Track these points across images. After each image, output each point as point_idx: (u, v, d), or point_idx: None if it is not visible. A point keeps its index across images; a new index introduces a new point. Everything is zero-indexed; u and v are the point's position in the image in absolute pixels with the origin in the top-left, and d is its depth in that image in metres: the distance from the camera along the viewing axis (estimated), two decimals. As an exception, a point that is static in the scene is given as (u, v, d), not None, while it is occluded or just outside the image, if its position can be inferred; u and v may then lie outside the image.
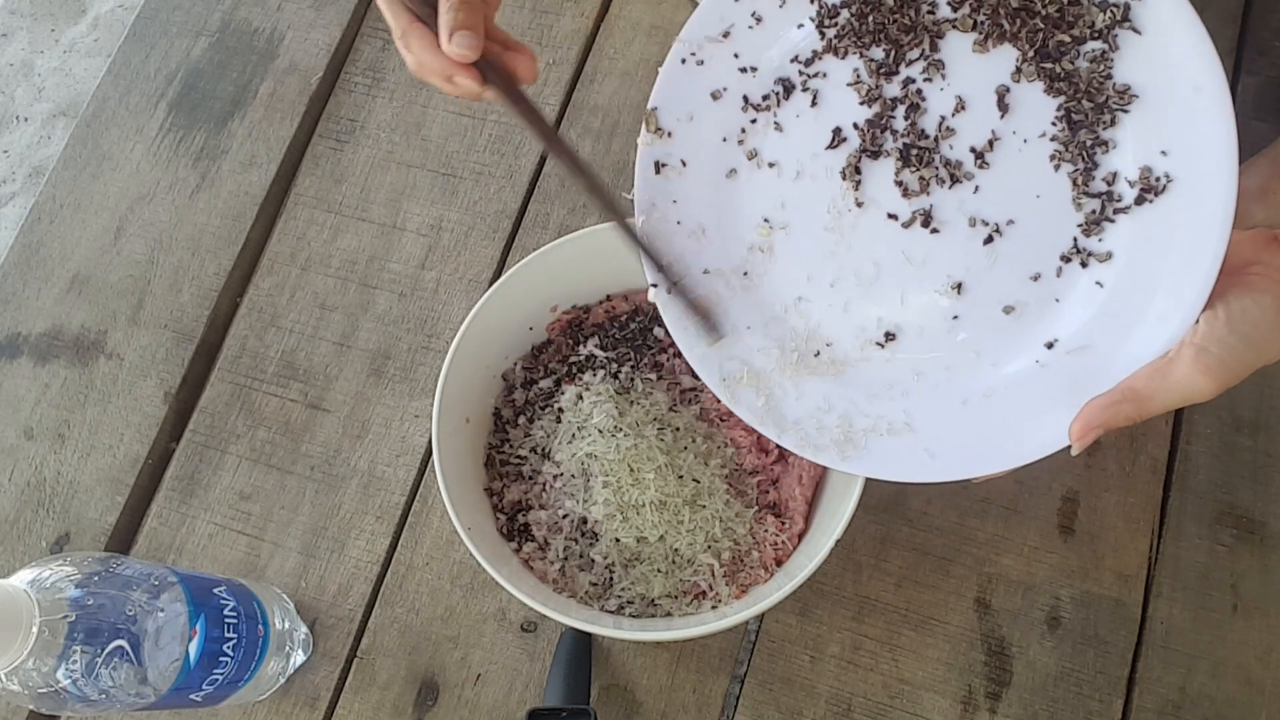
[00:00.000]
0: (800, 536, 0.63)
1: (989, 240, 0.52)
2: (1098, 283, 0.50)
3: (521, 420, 0.68)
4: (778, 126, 0.56)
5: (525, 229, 0.80)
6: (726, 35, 0.56)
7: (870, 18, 0.54)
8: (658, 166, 0.57)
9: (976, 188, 0.52)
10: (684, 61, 0.57)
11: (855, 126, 0.54)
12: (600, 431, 0.63)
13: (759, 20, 0.56)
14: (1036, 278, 0.51)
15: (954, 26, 0.52)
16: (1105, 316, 0.50)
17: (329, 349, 0.78)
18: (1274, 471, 0.67)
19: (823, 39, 0.55)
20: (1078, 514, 0.67)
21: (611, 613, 0.62)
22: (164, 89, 0.88)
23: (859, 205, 0.54)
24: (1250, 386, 0.69)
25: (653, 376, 0.67)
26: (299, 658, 0.68)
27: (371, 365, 0.77)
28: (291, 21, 0.89)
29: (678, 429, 0.64)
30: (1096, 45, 0.49)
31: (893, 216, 0.54)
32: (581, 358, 0.68)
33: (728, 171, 0.57)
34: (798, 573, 0.55)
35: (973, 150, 0.52)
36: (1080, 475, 0.68)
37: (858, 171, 0.54)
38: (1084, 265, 0.50)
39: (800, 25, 0.55)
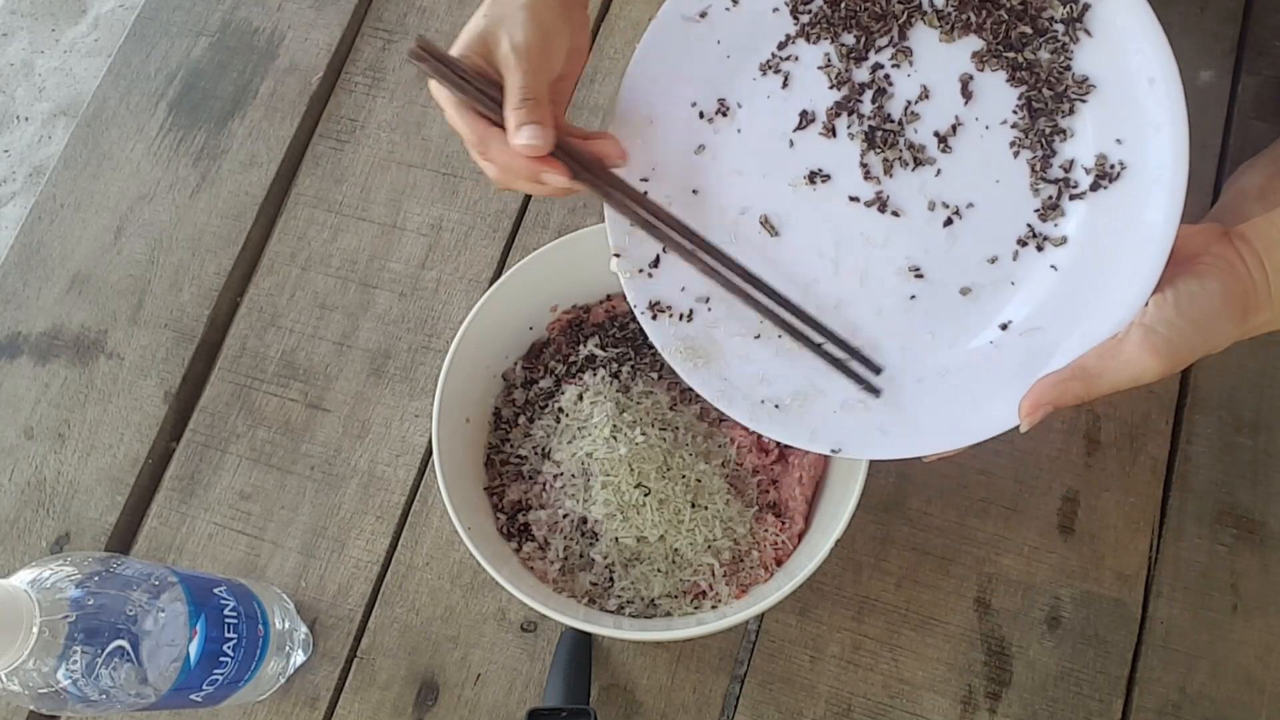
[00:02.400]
0: (800, 536, 0.63)
1: (948, 223, 0.53)
2: (1052, 266, 0.51)
3: (521, 420, 0.68)
4: (748, 107, 0.57)
5: (525, 229, 0.80)
6: (703, 15, 0.57)
7: (842, 4, 0.55)
8: (630, 131, 0.57)
9: (939, 171, 0.54)
10: (660, 39, 0.57)
11: (823, 109, 0.55)
12: (600, 431, 0.63)
13: (735, 3, 0.57)
14: (994, 260, 0.53)
15: (922, 20, 0.54)
16: (1059, 299, 0.51)
17: (329, 349, 0.78)
18: (1274, 471, 0.67)
19: (796, 23, 0.56)
20: (1078, 514, 0.67)
21: (611, 612, 0.62)
22: (164, 89, 0.88)
23: (824, 182, 0.55)
24: (1250, 386, 0.69)
25: (653, 376, 0.67)
26: (299, 658, 0.68)
27: (372, 365, 0.77)
28: (292, 21, 0.89)
29: (678, 428, 0.64)
30: (1057, 37, 0.51)
31: (854, 199, 0.55)
32: (582, 357, 0.68)
33: (696, 147, 0.58)
34: (798, 572, 0.55)
35: (936, 135, 0.54)
36: (1080, 475, 0.68)
37: (823, 152, 0.55)
38: (1039, 249, 0.52)
39: (775, 10, 0.56)
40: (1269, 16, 0.78)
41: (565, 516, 0.64)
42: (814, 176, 0.55)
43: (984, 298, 0.53)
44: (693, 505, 0.62)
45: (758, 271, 0.56)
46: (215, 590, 0.60)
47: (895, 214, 0.54)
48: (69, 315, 0.82)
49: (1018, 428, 0.50)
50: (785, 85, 0.56)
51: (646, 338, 0.68)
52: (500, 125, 0.51)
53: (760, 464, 0.65)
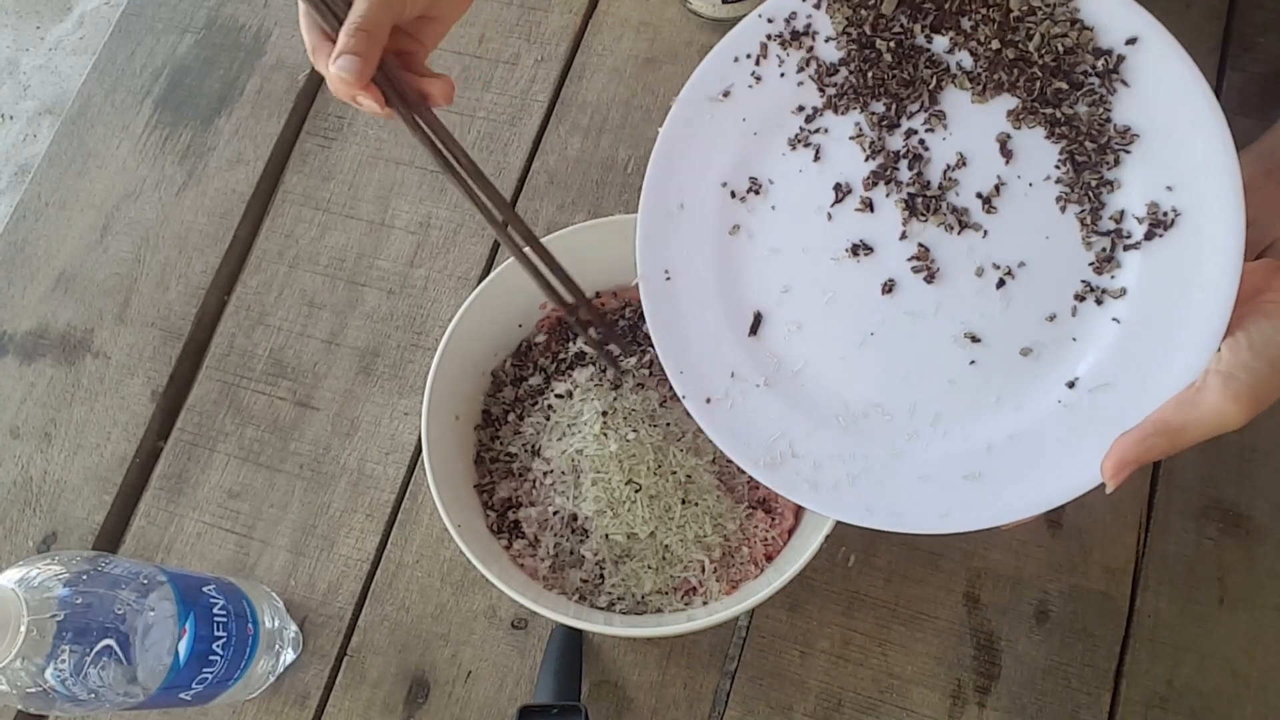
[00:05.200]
0: (790, 532, 0.64)
1: (1001, 284, 0.52)
2: (1114, 319, 0.50)
3: (511, 417, 0.68)
4: (780, 183, 0.56)
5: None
6: (726, 95, 0.56)
7: (869, 74, 0.54)
8: (662, 219, 0.56)
9: (985, 233, 0.52)
10: (685, 121, 0.56)
11: (859, 180, 0.54)
12: (590, 428, 0.63)
13: (758, 80, 0.56)
14: (1052, 318, 0.51)
15: (953, 83, 0.53)
16: (1125, 352, 0.50)
17: (317, 347, 0.78)
18: (1259, 465, 0.67)
19: (822, 95, 0.55)
20: (1065, 508, 0.67)
21: (602, 609, 0.62)
22: (150, 86, 0.88)
23: (867, 254, 0.54)
24: (1236, 381, 0.69)
25: (643, 372, 0.67)
26: (289, 656, 0.68)
27: (360, 363, 0.77)
28: (278, 18, 0.89)
29: (668, 424, 0.65)
30: (1094, 90, 0.50)
31: (901, 269, 0.53)
32: (571, 354, 0.68)
33: (731, 228, 0.56)
34: (787, 568, 0.56)
35: (979, 196, 0.52)
36: (1068, 470, 0.68)
37: (863, 224, 0.54)
38: (1099, 303, 0.51)
39: (800, 84, 0.55)
40: (1253, 13, 0.78)
41: (555, 513, 0.64)
42: (856, 249, 0.54)
43: (1046, 357, 0.51)
44: (683, 501, 0.62)
45: (806, 350, 0.55)
46: (204, 589, 0.60)
47: (945, 280, 0.53)
48: (54, 314, 0.81)
49: (1101, 487, 0.48)
50: (817, 159, 0.55)
51: (635, 334, 0.68)
52: (333, 41, 0.52)
53: (750, 460, 0.65)
